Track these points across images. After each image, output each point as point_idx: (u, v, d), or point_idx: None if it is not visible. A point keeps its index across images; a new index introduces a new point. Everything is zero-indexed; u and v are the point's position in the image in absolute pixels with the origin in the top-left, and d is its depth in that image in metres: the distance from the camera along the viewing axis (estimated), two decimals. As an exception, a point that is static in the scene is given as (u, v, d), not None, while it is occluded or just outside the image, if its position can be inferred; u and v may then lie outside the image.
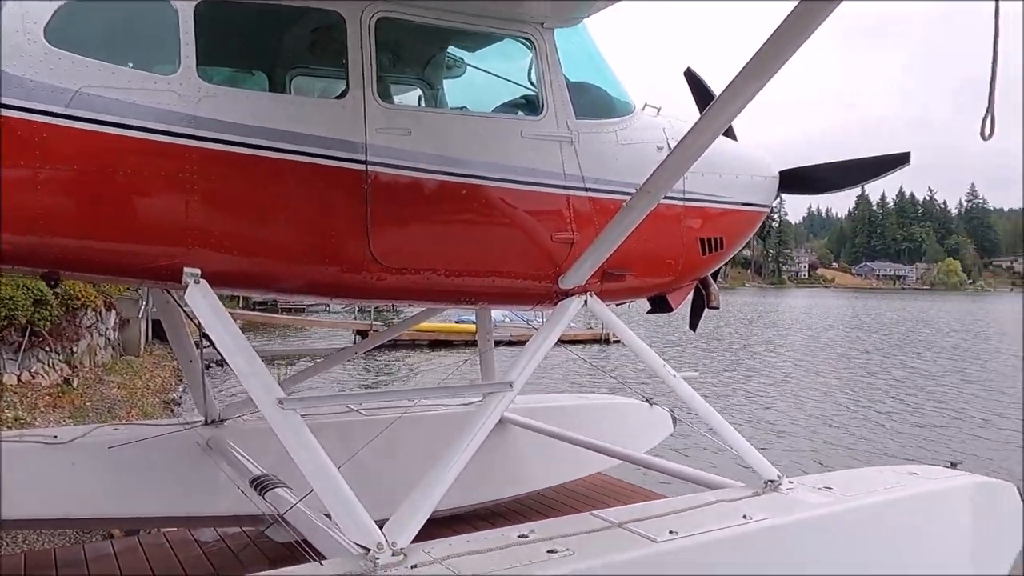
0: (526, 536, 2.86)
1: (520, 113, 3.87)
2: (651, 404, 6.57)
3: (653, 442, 6.56)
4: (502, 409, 3.25)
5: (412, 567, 2.54)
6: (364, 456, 3.79)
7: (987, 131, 1.98)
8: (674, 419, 6.71)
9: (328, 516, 2.87)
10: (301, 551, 2.88)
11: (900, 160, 4.48)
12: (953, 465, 4.21)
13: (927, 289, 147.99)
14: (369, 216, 3.27)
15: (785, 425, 15.04)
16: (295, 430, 2.76)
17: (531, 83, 3.90)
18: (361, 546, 2.59)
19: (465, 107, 3.78)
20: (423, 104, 4.04)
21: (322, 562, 2.55)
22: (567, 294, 3.88)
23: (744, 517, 3.15)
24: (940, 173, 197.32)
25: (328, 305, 41.14)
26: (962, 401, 18.63)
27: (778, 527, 3.12)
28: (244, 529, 5.06)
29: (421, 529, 2.80)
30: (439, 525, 3.63)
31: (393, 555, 2.58)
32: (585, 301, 3.93)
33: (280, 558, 2.60)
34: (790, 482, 3.63)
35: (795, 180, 4.92)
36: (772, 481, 3.56)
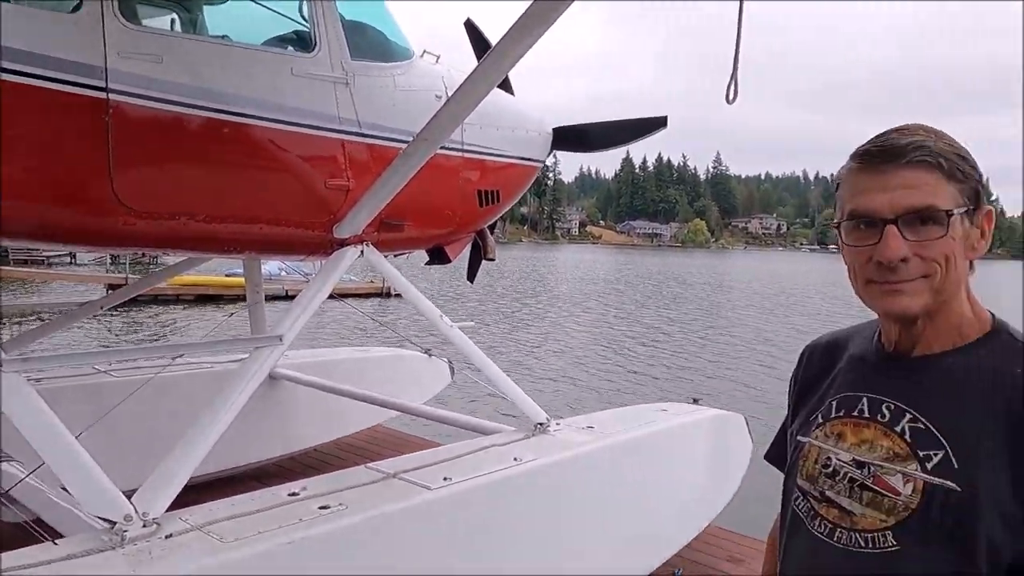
0: (297, 494, 2.75)
1: (291, 49, 3.60)
2: (429, 355, 6.63)
3: (432, 392, 6.65)
4: (270, 364, 3.07)
5: (166, 537, 2.33)
6: (116, 421, 3.42)
7: (731, 96, 2.15)
8: (452, 369, 6.85)
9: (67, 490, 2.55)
10: (37, 532, 2.53)
11: (659, 123, 4.84)
12: (695, 401, 4.71)
13: (679, 246, 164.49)
14: (112, 152, 2.87)
15: (552, 372, 16.01)
16: (19, 394, 2.39)
17: (303, 17, 3.64)
18: (106, 520, 2.33)
19: (227, 37, 3.44)
20: (178, 29, 3.62)
21: (56, 541, 2.26)
22: (342, 244, 3.73)
23: (515, 459, 3.27)
24: (691, 141, 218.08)
25: (74, 256, 36.71)
26: (702, 345, 21.04)
27: (546, 466, 3.29)
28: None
29: (183, 497, 2.58)
30: (205, 491, 3.39)
31: (144, 526, 2.35)
32: (362, 251, 3.81)
33: (14, 540, 2.26)
34: (557, 424, 3.84)
35: (568, 137, 5.12)
36: (541, 424, 3.74)
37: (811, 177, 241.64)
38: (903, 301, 1.16)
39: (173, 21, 3.63)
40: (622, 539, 3.66)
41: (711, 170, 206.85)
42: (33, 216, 2.86)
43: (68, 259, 37.30)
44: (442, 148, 4.09)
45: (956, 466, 1.10)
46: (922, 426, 1.15)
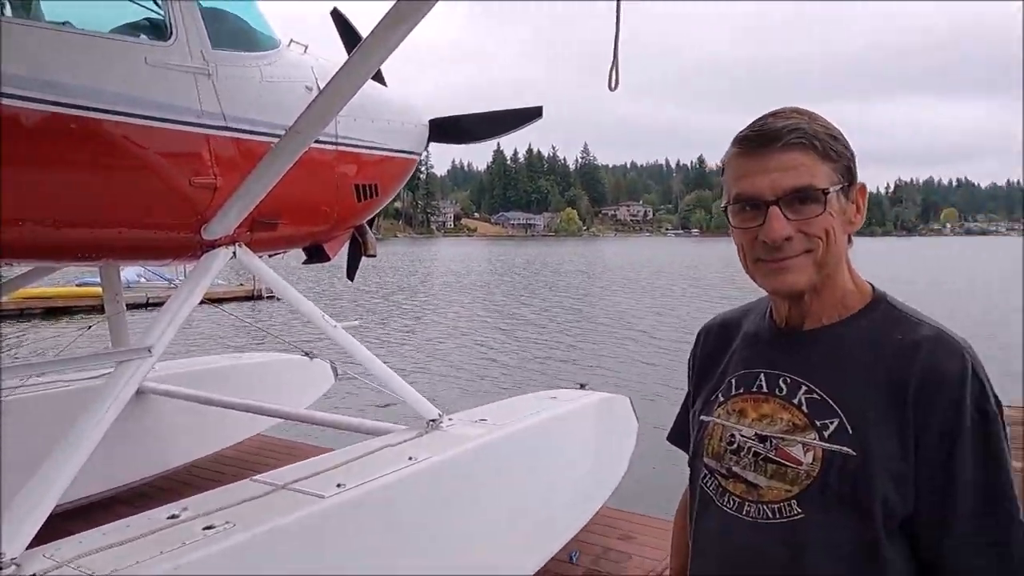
0: (177, 516, 2.56)
1: (143, 37, 3.33)
2: (311, 357, 6.40)
3: (315, 395, 6.42)
4: (139, 378, 2.83)
5: (29, 577, 2.10)
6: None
7: (613, 83, 2.17)
8: (335, 370, 6.64)
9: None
10: None
11: (534, 114, 4.86)
12: (582, 386, 4.79)
13: (552, 235, 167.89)
14: (-61, 152, 2.55)
15: (441, 365, 15.93)
16: None
17: (156, 4, 3.38)
18: (-47, 566, 2.07)
19: (68, 23, 3.13)
20: (10, 15, 3.26)
21: None
22: (212, 245, 3.51)
23: (410, 459, 3.20)
24: (561, 132, 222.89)
25: None
26: (585, 330, 21.58)
27: (442, 463, 3.23)
28: None
29: (47, 529, 2.34)
30: (71, 520, 3.11)
31: (2, 568, 2.11)
32: (234, 253, 3.60)
33: None
34: (449, 419, 3.79)
35: (444, 129, 5.06)
36: (433, 420, 3.68)
37: (673, 165, 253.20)
38: (790, 278, 1.21)
39: (3, 5, 3.27)
40: (522, 528, 3.67)
41: (580, 160, 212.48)
42: None
43: None
44: (316, 142, 3.94)
45: (850, 432, 1.15)
46: (817, 396, 1.20)
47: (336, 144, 4.13)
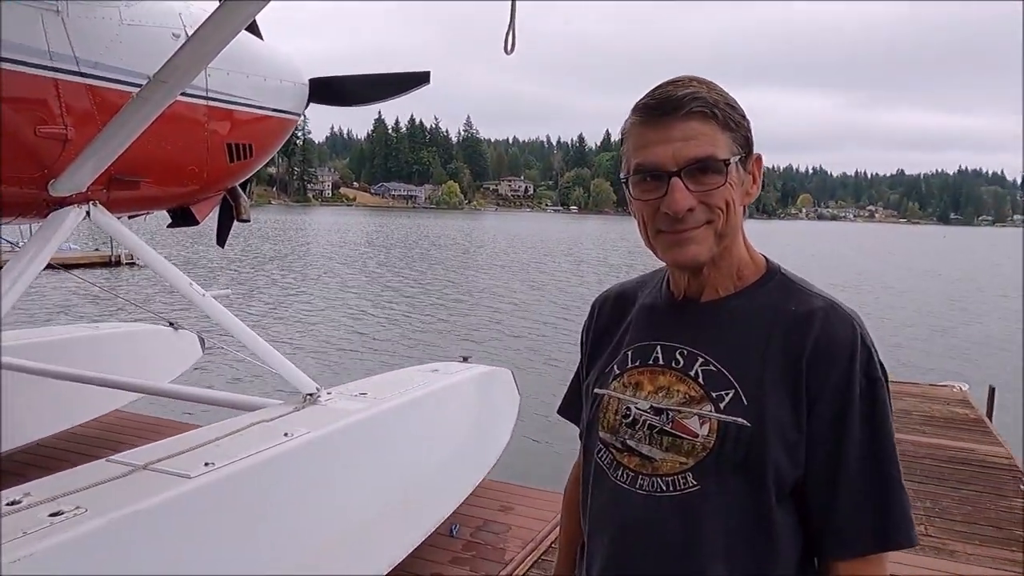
0: (19, 502, 2.29)
1: (-24, -37, 2.93)
2: (176, 328, 6.01)
3: (181, 368, 6.05)
4: (-28, 350, 2.52)
5: None
6: None
7: (509, 47, 2.10)
8: (202, 342, 6.27)
9: None
10: None
11: (421, 78, 4.70)
12: (465, 359, 4.74)
13: (433, 207, 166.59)
14: None
15: (316, 340, 15.46)
16: None
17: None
18: None
19: None
20: None
21: None
22: (61, 203, 3.17)
23: (285, 435, 3.04)
24: (442, 104, 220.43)
25: None
26: (468, 304, 21.58)
27: (318, 440, 3.09)
28: None
29: None
30: None
31: None
32: (87, 212, 3.28)
33: None
34: (328, 393, 3.64)
35: (325, 90, 4.80)
36: (311, 394, 3.53)
37: (554, 142, 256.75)
38: (691, 249, 1.19)
39: None
40: (402, 503, 3.58)
41: (463, 133, 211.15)
42: None
43: None
44: (183, 95, 3.64)
45: (745, 403, 1.16)
46: (713, 368, 1.19)
47: (206, 99, 3.83)
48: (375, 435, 3.50)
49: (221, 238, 4.98)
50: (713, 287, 1.25)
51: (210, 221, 4.52)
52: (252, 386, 8.91)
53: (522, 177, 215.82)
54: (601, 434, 1.29)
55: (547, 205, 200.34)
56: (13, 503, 2.29)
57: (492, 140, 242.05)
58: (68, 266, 17.50)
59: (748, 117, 1.22)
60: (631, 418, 1.24)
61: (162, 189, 3.77)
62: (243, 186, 4.63)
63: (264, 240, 44.49)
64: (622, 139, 1.26)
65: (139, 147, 3.22)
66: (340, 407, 3.51)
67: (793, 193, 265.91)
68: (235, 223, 4.76)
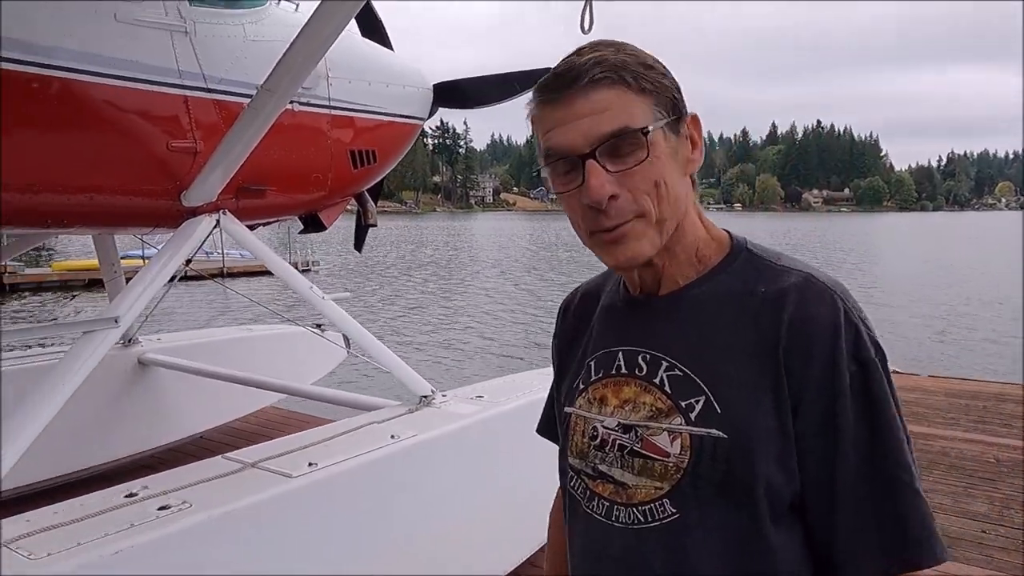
0: (135, 494, 2.43)
1: (113, -8, 3.18)
2: (322, 330, 6.30)
3: (326, 369, 6.34)
4: (102, 351, 2.70)
5: (-38, 559, 1.99)
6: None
7: (586, 25, 1.94)
8: (347, 342, 6.53)
9: None
10: None
11: (543, 76, 4.60)
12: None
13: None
14: None
15: (476, 344, 15.81)
16: None
17: (128, -43, 3.21)
18: None
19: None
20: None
21: None
22: (193, 212, 3.37)
23: (392, 437, 3.03)
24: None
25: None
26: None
27: (425, 442, 3.06)
28: None
29: (24, 508, 2.25)
30: (53, 496, 3.02)
31: (-65, 547, 2.00)
32: (217, 221, 3.46)
33: None
34: (443, 395, 3.62)
35: (450, 93, 4.83)
36: (426, 396, 3.52)
37: (716, 138, 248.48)
38: (631, 248, 1.01)
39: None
40: (511, 514, 3.48)
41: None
42: None
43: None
44: (306, 104, 3.77)
45: (719, 411, 0.97)
46: (679, 373, 1.01)
47: (328, 107, 3.94)
48: (486, 440, 3.43)
49: (358, 243, 5.16)
50: (671, 277, 1.06)
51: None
52: (379, 386, 9.20)
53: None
54: (571, 460, 1.12)
55: (708, 203, 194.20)
56: (131, 495, 2.43)
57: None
58: (235, 274, 19.18)
59: (671, 74, 1.03)
60: (599, 439, 1.06)
61: (288, 197, 3.92)
62: (373, 191, 4.75)
63: (422, 246, 46.37)
64: (532, 129, 1.07)
65: (264, 156, 3.36)
66: (453, 410, 3.47)
67: (990, 181, 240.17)
68: (368, 228, 4.90)
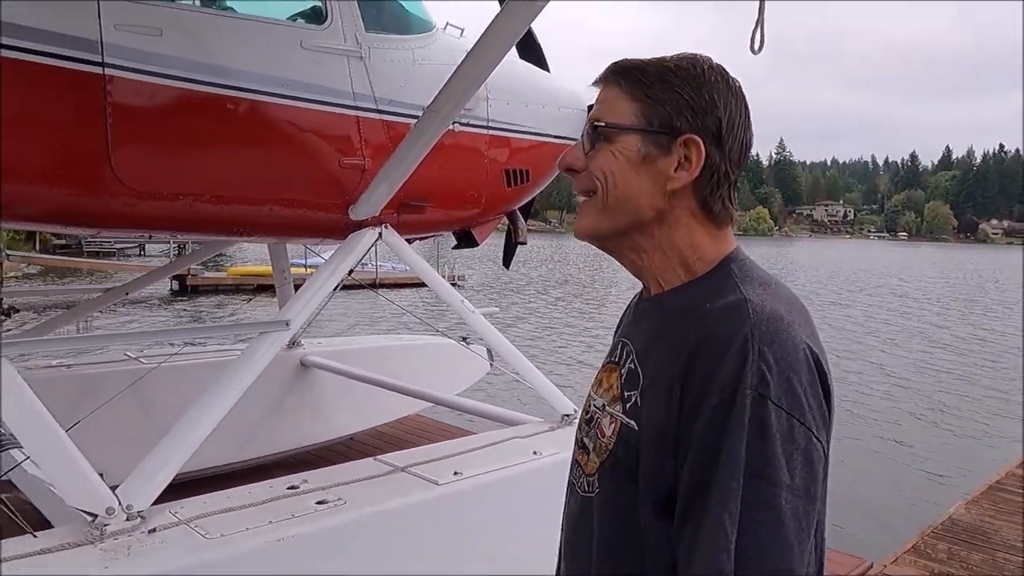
0: (297, 487, 2.60)
1: (300, 21, 3.46)
2: (467, 343, 6.47)
3: (470, 381, 6.49)
4: (274, 351, 2.92)
5: (150, 531, 2.21)
6: (127, 410, 3.36)
7: (756, 45, 1.89)
8: (491, 356, 6.67)
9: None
10: (22, 523, 2.45)
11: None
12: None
13: (741, 234, 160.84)
14: (109, 129, 2.77)
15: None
16: (4, 382, 2.30)
17: (315, -12, 3.49)
18: (88, 512, 2.22)
19: (232, 9, 3.30)
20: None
21: (37, 534, 2.16)
22: (359, 226, 3.58)
23: (534, 453, 3.07)
24: (754, 126, 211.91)
25: (143, 246, 37.89)
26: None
27: (565, 461, 3.06)
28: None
29: (205, 487, 2.49)
30: (232, 480, 3.30)
31: (128, 520, 2.23)
32: (380, 234, 3.65)
33: (11, 531, 2.20)
34: (587, 415, 3.61)
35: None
36: (568, 415, 3.53)
37: (880, 162, 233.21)
38: (580, 221, 1.17)
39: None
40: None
41: (774, 156, 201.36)
42: (31, 198, 2.78)
43: (138, 251, 38.53)
44: (465, 125, 3.91)
45: (640, 405, 1.07)
46: (633, 366, 1.13)
47: (487, 127, 4.07)
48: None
49: (507, 260, 5.26)
50: (655, 279, 1.16)
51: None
52: (525, 401, 9.28)
53: (840, 201, 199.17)
54: (577, 432, 1.26)
55: (870, 231, 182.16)
56: (292, 487, 2.61)
57: (807, 163, 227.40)
58: (385, 285, 20.06)
59: (704, 98, 1.09)
60: (589, 415, 1.20)
61: (445, 213, 4.08)
62: (522, 210, 4.84)
63: (563, 264, 46.61)
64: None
65: (425, 174, 3.51)
66: (595, 431, 3.46)
67: None
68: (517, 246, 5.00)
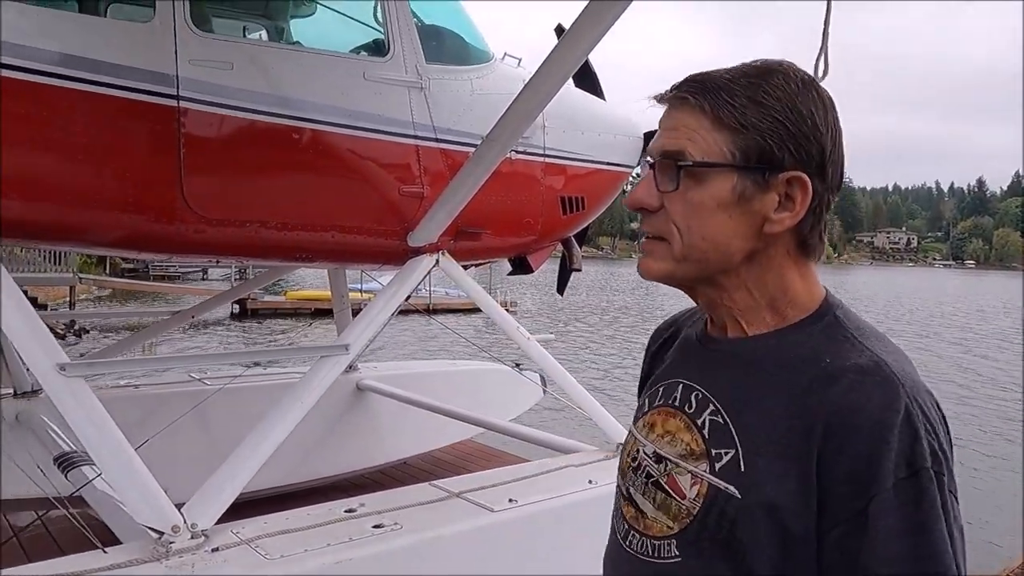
0: (354, 510, 2.64)
1: (364, 54, 3.56)
2: (520, 369, 6.47)
3: (523, 407, 6.48)
4: (334, 375, 2.98)
5: (213, 550, 2.26)
6: (190, 430, 3.46)
7: (820, 72, 1.88)
8: (544, 383, 6.65)
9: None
10: (90, 538, 2.53)
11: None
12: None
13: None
14: (183, 159, 2.90)
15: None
16: (80, 401, 2.40)
17: (377, 22, 3.59)
18: (155, 530, 2.29)
19: (299, 43, 3.43)
20: (251, 36, 3.65)
21: (106, 549, 2.23)
22: (417, 252, 3.64)
23: (589, 482, 3.05)
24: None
25: (205, 271, 39.08)
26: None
27: (622, 491, 3.03)
28: (71, 512, 4.58)
29: (265, 507, 2.54)
30: (291, 502, 3.36)
31: (192, 538, 2.29)
32: (437, 261, 3.71)
33: (81, 545, 2.29)
34: (642, 445, 3.56)
35: (659, 141, 4.84)
36: (621, 444, 3.49)
37: (945, 188, 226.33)
38: (645, 263, 1.03)
39: (245, 28, 3.67)
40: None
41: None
42: (107, 224, 2.91)
43: (200, 275, 39.75)
44: (522, 153, 3.96)
45: (742, 468, 0.93)
46: (720, 420, 0.98)
47: (543, 155, 4.11)
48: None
49: (561, 286, 5.26)
50: (736, 322, 1.03)
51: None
52: (576, 428, 9.19)
53: (903, 228, 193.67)
54: (617, 476, 1.14)
55: (934, 259, 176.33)
56: (350, 511, 2.64)
57: (868, 188, 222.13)
58: (439, 310, 20.21)
59: (805, 124, 0.94)
60: (637, 462, 1.07)
61: (501, 240, 4.11)
62: (577, 237, 4.85)
63: (616, 292, 46.28)
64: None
65: (482, 201, 3.55)
66: (650, 460, 3.41)
67: None
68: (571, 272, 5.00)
